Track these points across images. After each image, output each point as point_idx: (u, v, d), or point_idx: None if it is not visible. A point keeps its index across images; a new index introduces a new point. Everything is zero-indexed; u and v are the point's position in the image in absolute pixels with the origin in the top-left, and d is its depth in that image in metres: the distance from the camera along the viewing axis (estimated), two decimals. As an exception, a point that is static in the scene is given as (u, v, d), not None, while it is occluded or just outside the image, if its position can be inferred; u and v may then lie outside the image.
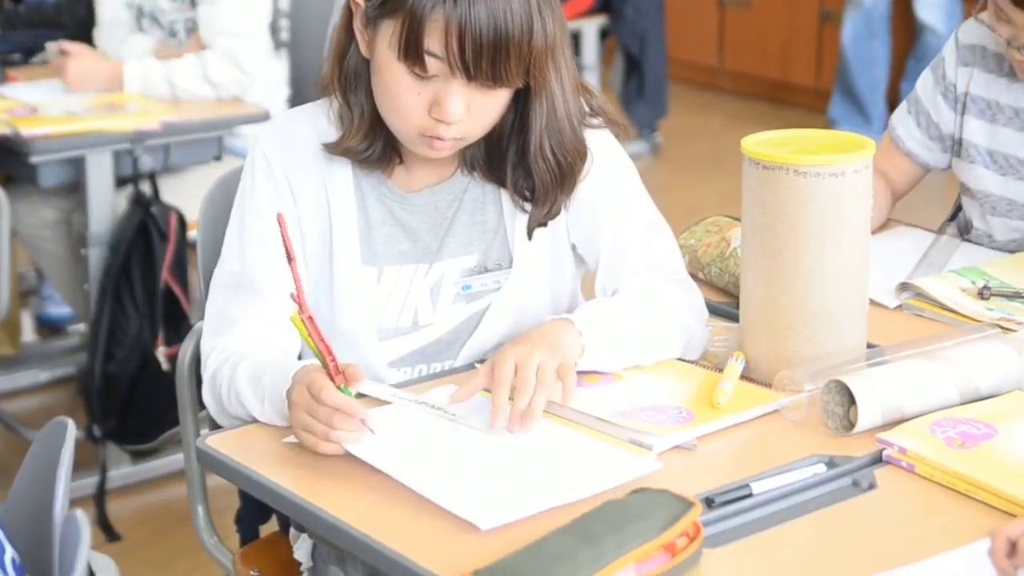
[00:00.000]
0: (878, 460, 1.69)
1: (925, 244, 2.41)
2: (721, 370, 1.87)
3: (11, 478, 1.55)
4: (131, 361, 3.36)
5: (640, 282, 1.95)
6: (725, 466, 1.69)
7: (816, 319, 1.84)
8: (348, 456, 1.66)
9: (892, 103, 4.95)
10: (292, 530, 1.94)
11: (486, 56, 1.76)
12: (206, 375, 1.89)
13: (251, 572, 2.02)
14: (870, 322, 1.92)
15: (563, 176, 1.91)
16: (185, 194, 3.43)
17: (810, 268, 1.83)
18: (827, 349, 1.85)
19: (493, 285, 1.96)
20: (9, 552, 1.35)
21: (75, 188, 3.42)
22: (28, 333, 4.14)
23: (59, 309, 4.19)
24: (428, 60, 1.77)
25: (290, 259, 1.70)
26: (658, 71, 6.04)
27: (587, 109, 1.95)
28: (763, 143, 1.87)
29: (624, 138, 2.02)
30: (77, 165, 3.33)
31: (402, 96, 1.81)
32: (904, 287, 2.18)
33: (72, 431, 1.46)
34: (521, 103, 1.88)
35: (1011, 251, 2.38)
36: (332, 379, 1.67)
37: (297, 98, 3.73)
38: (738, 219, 2.14)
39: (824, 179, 1.81)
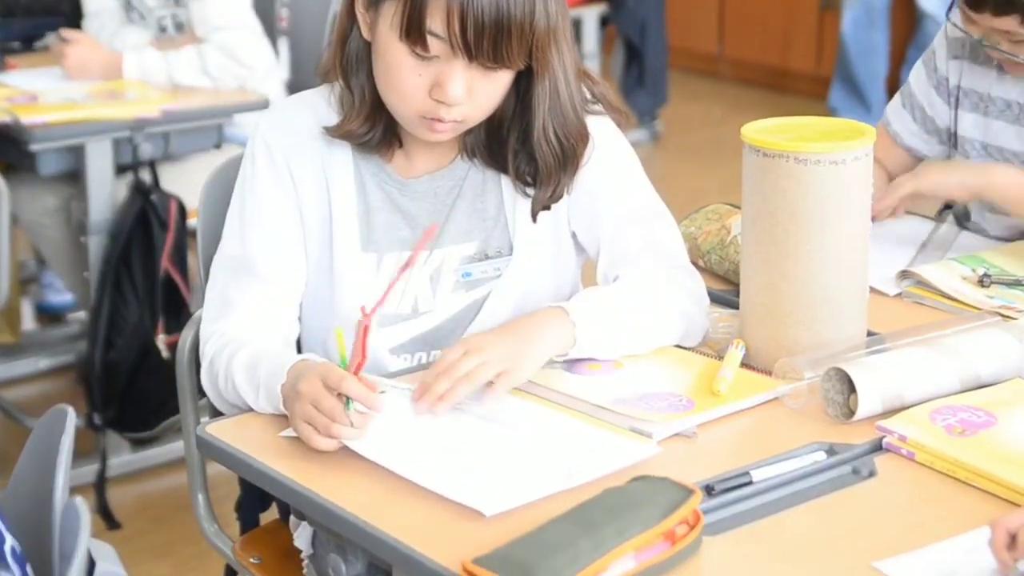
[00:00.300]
0: (878, 448, 1.69)
1: (925, 232, 2.41)
2: (721, 357, 1.87)
3: (11, 466, 1.55)
4: (131, 349, 3.36)
5: (640, 270, 1.95)
6: (725, 454, 1.69)
7: (816, 307, 1.84)
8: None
9: (892, 91, 4.97)
10: (292, 518, 1.94)
11: (488, 36, 1.76)
12: (204, 360, 1.89)
13: (251, 560, 2.02)
14: (870, 310, 1.92)
15: (566, 159, 1.91)
16: (185, 182, 3.43)
17: (810, 256, 1.83)
18: (827, 337, 1.85)
19: (493, 272, 1.96)
20: (9, 541, 1.35)
21: (75, 176, 3.41)
22: (28, 321, 4.14)
23: (59, 297, 4.19)
24: (430, 40, 1.77)
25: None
26: (658, 59, 6.03)
27: (588, 96, 1.95)
28: (763, 131, 1.87)
29: (625, 126, 2.02)
30: (77, 153, 3.33)
31: (403, 77, 1.81)
32: (904, 275, 2.18)
33: (72, 419, 1.45)
34: (523, 87, 1.88)
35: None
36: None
37: (296, 84, 3.73)
38: (738, 207, 2.14)
39: (824, 167, 1.81)
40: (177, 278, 3.39)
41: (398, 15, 1.78)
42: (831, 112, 6.02)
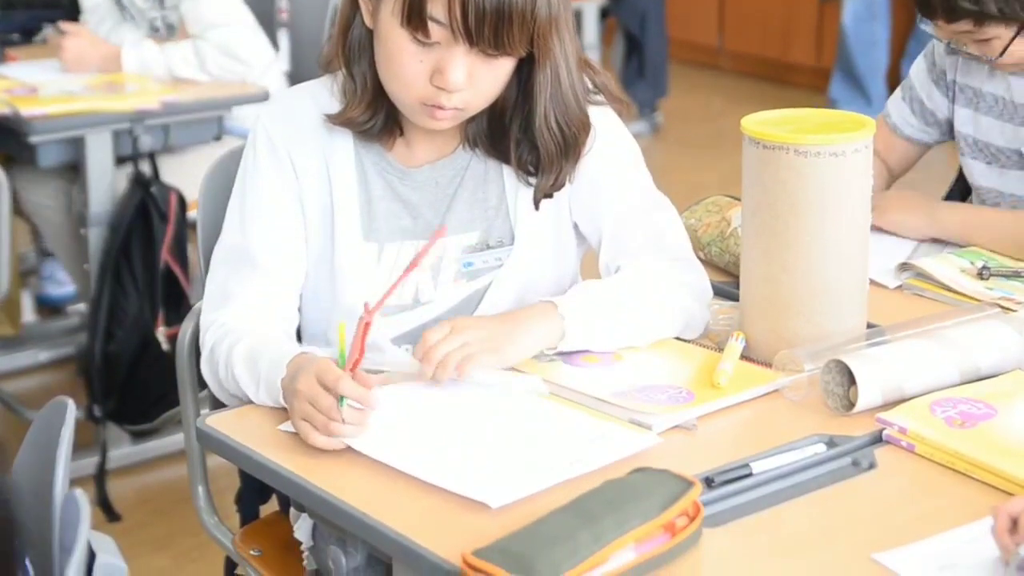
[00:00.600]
0: (878, 440, 1.69)
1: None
2: (721, 349, 1.87)
3: (11, 458, 1.55)
4: (131, 341, 3.36)
5: (640, 263, 1.95)
6: (725, 446, 1.69)
7: (816, 299, 1.84)
8: (348, 436, 1.67)
9: (893, 84, 4.96)
10: (292, 510, 1.94)
11: (488, 22, 1.76)
12: (204, 349, 1.89)
13: (251, 552, 2.02)
14: (870, 302, 1.92)
15: (568, 147, 1.91)
16: (185, 174, 3.43)
17: (810, 248, 1.83)
18: (827, 329, 1.84)
19: (495, 262, 1.96)
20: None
21: (75, 168, 3.41)
22: (28, 313, 4.14)
23: (59, 289, 4.19)
24: (431, 26, 1.77)
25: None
26: (658, 51, 6.03)
27: (590, 85, 1.95)
28: (763, 122, 1.87)
29: (625, 116, 2.02)
30: (77, 145, 3.33)
31: (404, 63, 1.81)
32: (904, 267, 2.18)
33: (72, 411, 1.45)
34: (525, 75, 1.88)
35: None
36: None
37: (296, 76, 3.73)
38: (738, 199, 2.14)
39: (824, 158, 1.81)
40: (177, 270, 3.39)
41: (400, 1, 1.78)
42: (832, 104, 6.02)
